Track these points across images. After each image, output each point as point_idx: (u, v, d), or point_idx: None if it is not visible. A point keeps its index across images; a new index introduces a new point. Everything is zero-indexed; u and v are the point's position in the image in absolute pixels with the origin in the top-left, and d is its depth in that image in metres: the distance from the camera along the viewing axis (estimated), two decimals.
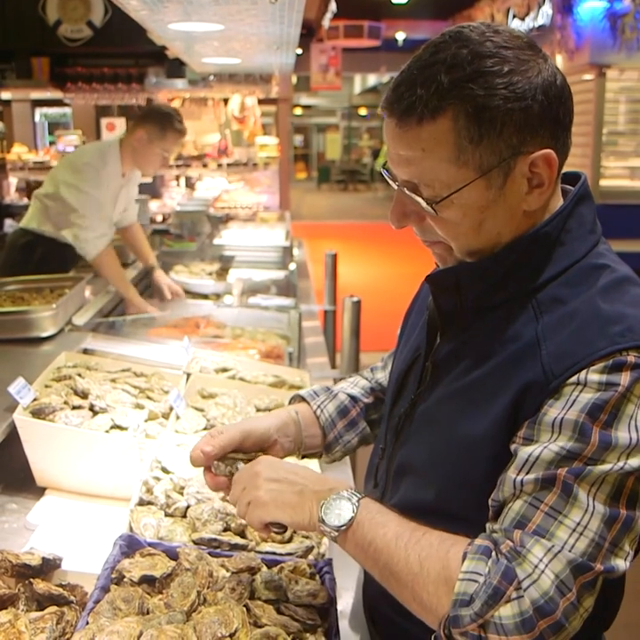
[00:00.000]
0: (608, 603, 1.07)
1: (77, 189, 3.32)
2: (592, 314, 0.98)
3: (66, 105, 7.60)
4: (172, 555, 1.26)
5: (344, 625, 1.32)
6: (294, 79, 13.90)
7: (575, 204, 1.06)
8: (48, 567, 1.26)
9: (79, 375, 2.01)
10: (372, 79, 22.82)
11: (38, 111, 8.01)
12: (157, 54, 5.98)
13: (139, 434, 1.82)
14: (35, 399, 1.84)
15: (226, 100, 7.39)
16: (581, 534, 0.89)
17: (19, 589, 1.20)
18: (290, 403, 1.44)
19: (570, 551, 0.89)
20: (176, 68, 6.08)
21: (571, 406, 0.93)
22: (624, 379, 0.92)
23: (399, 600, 0.99)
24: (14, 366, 2.29)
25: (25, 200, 6.27)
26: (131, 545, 1.27)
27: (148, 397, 2.04)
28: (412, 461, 1.14)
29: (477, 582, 0.89)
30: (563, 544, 0.89)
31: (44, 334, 2.61)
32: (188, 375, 2.22)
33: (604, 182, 8.96)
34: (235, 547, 1.36)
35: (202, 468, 1.19)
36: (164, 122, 3.38)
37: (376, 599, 1.24)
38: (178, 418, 1.93)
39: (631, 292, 1.01)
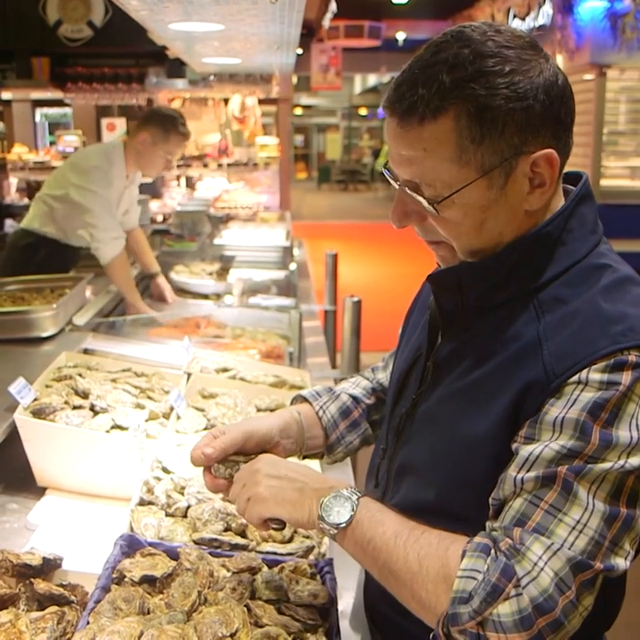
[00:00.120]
0: (609, 602, 1.06)
1: (89, 191, 3.32)
2: (593, 313, 0.98)
3: (66, 105, 7.61)
4: (173, 555, 1.26)
5: (345, 625, 1.31)
6: (294, 79, 13.89)
7: (577, 203, 1.06)
8: (49, 567, 1.26)
9: (80, 375, 2.01)
10: (372, 79, 22.84)
11: (39, 111, 8.01)
12: (158, 54, 5.98)
13: (139, 434, 1.82)
14: (35, 399, 1.84)
15: (226, 100, 7.39)
16: (581, 532, 0.89)
17: (19, 589, 1.20)
18: (292, 403, 1.44)
19: (569, 549, 0.89)
20: (176, 67, 6.09)
21: (572, 405, 0.93)
22: (625, 378, 0.92)
23: (398, 599, 0.98)
24: (15, 366, 2.29)
25: (25, 200, 6.25)
26: (131, 545, 1.27)
27: (149, 397, 2.04)
28: (413, 461, 1.14)
29: (476, 580, 0.89)
30: (562, 542, 0.89)
31: (45, 334, 2.61)
32: (189, 375, 2.22)
33: (604, 182, 8.97)
34: (235, 547, 1.36)
35: (202, 468, 1.19)
36: (167, 125, 3.37)
37: (376, 598, 1.23)
38: (178, 418, 1.93)
39: (632, 292, 1.01)
